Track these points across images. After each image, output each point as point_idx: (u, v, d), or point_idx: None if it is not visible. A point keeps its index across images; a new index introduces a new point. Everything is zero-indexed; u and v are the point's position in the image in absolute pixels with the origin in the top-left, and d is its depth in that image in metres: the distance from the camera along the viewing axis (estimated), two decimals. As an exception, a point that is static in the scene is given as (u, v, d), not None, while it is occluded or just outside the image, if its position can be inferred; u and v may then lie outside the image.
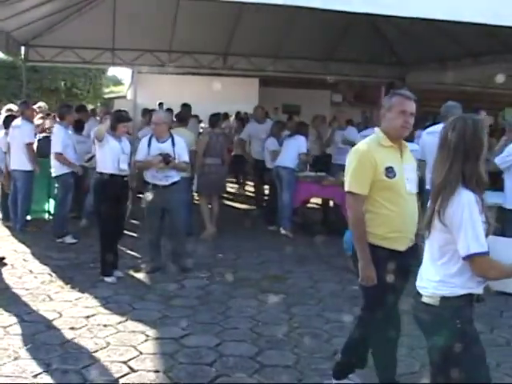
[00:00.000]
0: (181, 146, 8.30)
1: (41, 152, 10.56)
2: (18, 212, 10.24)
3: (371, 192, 4.44)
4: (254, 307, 6.96)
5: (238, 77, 18.86)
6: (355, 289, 7.75)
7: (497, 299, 7.26)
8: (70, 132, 10.05)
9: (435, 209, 3.35)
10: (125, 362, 5.35)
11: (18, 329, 6.03)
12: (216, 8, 11.63)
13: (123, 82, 38.89)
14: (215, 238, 10.19)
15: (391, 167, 4.44)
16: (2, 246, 9.23)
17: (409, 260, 4.59)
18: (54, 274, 7.94)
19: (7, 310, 6.53)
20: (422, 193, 4.83)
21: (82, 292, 7.25)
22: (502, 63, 13.63)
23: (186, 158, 8.35)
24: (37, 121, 12.33)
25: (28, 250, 9.09)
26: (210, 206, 10.50)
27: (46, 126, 12.60)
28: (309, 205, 12.27)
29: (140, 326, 6.21)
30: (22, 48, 14.28)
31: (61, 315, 6.46)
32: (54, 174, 9.91)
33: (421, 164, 8.08)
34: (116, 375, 5.11)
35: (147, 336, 5.97)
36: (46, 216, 11.31)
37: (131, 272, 8.17)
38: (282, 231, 10.67)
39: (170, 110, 13.15)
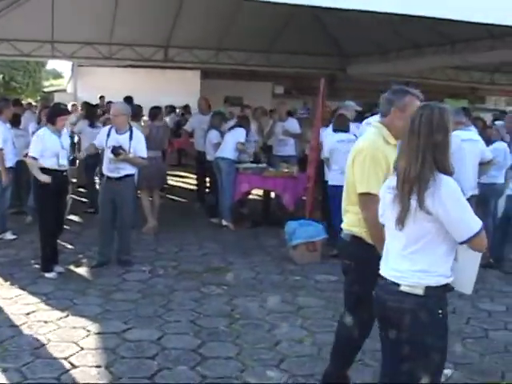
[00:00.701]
0: (138, 140, 8.25)
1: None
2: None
3: None
4: (196, 300, 6.97)
5: (179, 69, 18.81)
6: (297, 279, 7.91)
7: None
8: (8, 126, 9.90)
9: (413, 200, 3.32)
10: (66, 358, 5.31)
11: (-45, 328, 5.94)
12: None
13: (63, 75, 38.43)
14: (157, 232, 10.15)
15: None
16: None
17: None
18: (-8, 272, 7.83)
19: None
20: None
21: (22, 289, 7.15)
22: (443, 55, 13.92)
23: (142, 152, 8.29)
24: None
25: (-35, 248, 8.94)
26: (151, 199, 10.46)
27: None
28: (250, 196, 12.31)
29: (81, 322, 6.16)
30: (-43, 41, 13.99)
31: (0, 313, 6.38)
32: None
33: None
34: (57, 372, 5.06)
35: (88, 331, 5.93)
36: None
37: (72, 267, 8.08)
38: (224, 223, 10.70)
39: (129, 99, 13.08)
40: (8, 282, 7.40)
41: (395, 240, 3.49)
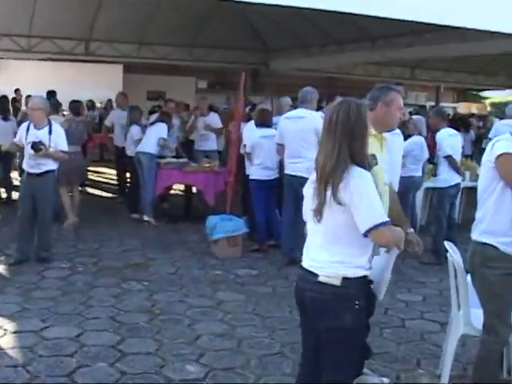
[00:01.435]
0: (58, 135, 8.10)
1: None
2: None
3: None
4: (116, 296, 6.93)
5: (101, 63, 18.57)
6: (218, 273, 7.96)
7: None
8: None
9: (329, 191, 3.38)
10: (-19, 359, 5.21)
11: None
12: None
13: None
14: (77, 228, 10.02)
15: (374, 155, 4.41)
16: None
17: None
18: None
19: None
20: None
21: None
22: (363, 51, 14.17)
23: (63, 146, 8.15)
24: None
25: None
26: (71, 194, 10.33)
27: None
28: (172, 191, 12.30)
29: (-2, 321, 6.06)
30: None
31: None
32: None
33: (279, 148, 8.34)
34: (-28, 373, 4.97)
35: (5, 330, 5.82)
36: None
37: (-12, 265, 7.94)
38: (145, 218, 10.65)
39: (52, 93, 12.83)
40: None
41: (315, 232, 3.57)
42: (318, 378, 3.68)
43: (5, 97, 12.53)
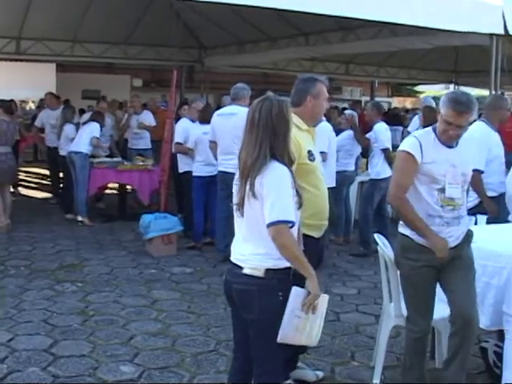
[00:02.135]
0: None
1: None
2: None
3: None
4: (48, 298, 6.81)
5: (33, 62, 18.22)
6: (152, 272, 7.92)
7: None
8: None
9: (248, 185, 3.42)
10: None
11: None
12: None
13: None
14: (9, 230, 9.82)
15: (311, 150, 4.45)
16: None
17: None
18: None
19: None
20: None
21: None
22: (296, 46, 14.25)
23: None
24: None
25: None
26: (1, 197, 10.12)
27: None
28: (106, 191, 12.18)
29: None
30: None
31: None
32: None
33: (212, 145, 8.33)
34: None
35: None
36: None
37: None
38: (79, 219, 10.52)
39: None
40: None
41: (240, 226, 3.62)
42: (251, 371, 3.73)
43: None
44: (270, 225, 3.38)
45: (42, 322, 6.13)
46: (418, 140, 4.22)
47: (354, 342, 5.85)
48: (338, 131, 9.38)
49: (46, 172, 14.68)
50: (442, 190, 4.21)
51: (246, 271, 3.54)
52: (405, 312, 4.61)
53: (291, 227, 3.44)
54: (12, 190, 11.06)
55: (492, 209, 6.22)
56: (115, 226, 10.43)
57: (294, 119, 4.42)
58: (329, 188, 4.80)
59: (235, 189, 3.61)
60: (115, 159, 10.88)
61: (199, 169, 8.88)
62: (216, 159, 8.27)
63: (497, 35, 8.52)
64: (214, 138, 8.20)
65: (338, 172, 9.04)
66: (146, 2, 13.81)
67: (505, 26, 8.36)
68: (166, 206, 9.55)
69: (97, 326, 6.08)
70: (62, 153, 11.01)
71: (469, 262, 4.35)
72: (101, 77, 20.61)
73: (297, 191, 3.52)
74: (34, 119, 15.93)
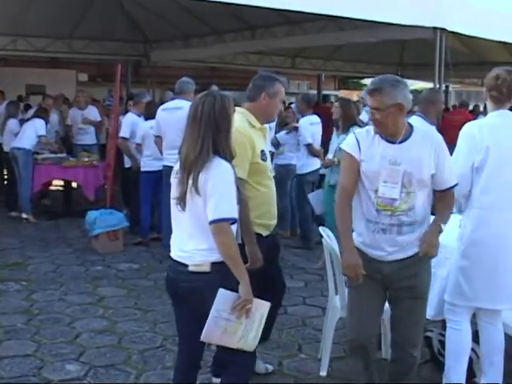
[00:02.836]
0: None
1: None
2: None
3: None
4: (-9, 298, 6.70)
5: (-28, 56, 17.87)
6: (98, 269, 7.85)
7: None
8: None
9: (190, 180, 3.43)
10: None
11: None
12: None
13: None
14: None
15: (263, 150, 4.40)
16: None
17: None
18: None
19: None
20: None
21: None
22: (243, 41, 14.24)
23: None
24: None
25: None
26: None
27: None
28: (51, 187, 12.02)
29: None
30: None
31: None
32: None
33: (157, 140, 8.28)
34: None
35: None
36: None
37: None
38: (24, 216, 10.36)
39: None
40: None
41: (180, 221, 3.61)
42: (197, 365, 3.79)
43: None
44: (212, 222, 3.39)
45: (-15, 322, 6.02)
46: (356, 137, 3.95)
47: (302, 335, 5.89)
48: (284, 125, 9.44)
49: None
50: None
51: (191, 269, 3.53)
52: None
53: (233, 223, 3.46)
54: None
55: None
56: (61, 222, 10.30)
57: (248, 116, 4.45)
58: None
59: (174, 182, 3.61)
60: (60, 155, 10.74)
61: (147, 164, 8.82)
62: (161, 154, 8.21)
63: (440, 29, 8.62)
64: (159, 132, 8.16)
65: (282, 165, 9.11)
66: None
67: (448, 20, 8.48)
68: (112, 201, 9.47)
69: (42, 324, 6.00)
70: (6, 149, 10.82)
71: (421, 291, 4.02)
72: (45, 71, 20.26)
73: (237, 187, 3.53)
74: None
